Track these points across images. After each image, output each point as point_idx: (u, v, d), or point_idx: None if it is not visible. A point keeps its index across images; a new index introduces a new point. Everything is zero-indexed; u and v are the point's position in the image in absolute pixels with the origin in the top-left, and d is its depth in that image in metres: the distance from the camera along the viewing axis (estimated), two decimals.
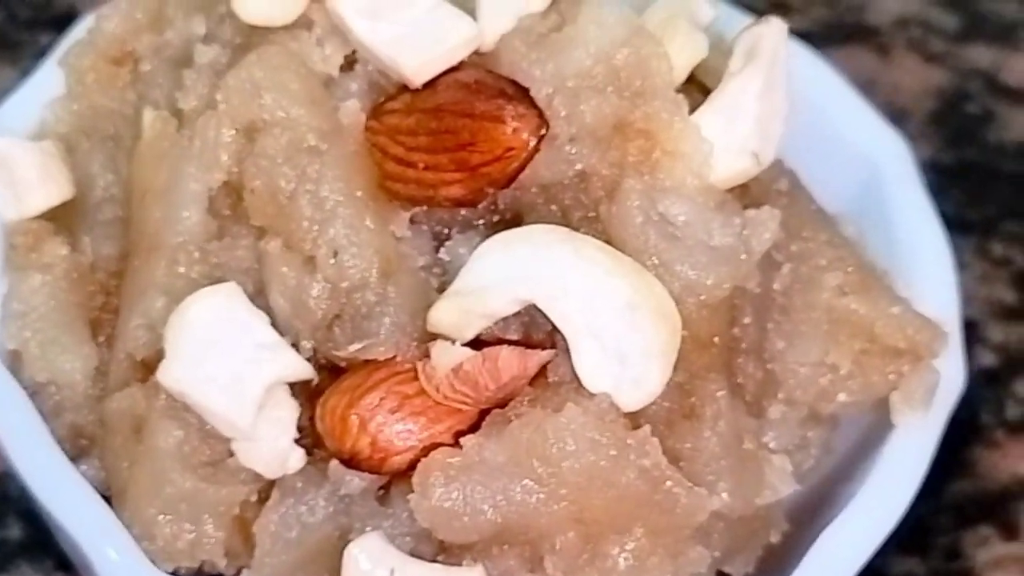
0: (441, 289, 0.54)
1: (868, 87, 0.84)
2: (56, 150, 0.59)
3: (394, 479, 0.53)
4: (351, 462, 0.52)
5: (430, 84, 0.55)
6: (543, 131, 0.53)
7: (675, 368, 0.52)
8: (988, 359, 0.74)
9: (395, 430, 0.52)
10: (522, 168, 0.53)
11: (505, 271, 0.52)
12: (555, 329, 0.52)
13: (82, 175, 0.59)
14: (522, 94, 0.54)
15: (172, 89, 0.58)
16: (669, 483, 0.50)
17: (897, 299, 0.58)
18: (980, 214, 0.80)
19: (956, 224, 0.77)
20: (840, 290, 0.57)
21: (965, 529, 0.68)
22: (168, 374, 0.52)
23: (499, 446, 0.50)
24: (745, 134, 0.55)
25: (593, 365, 0.51)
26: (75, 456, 0.55)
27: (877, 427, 0.58)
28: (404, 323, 0.53)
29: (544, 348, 0.52)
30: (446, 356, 0.51)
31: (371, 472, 0.52)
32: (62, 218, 0.59)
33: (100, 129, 0.60)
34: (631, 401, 0.51)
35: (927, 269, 0.61)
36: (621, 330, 0.51)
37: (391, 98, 0.55)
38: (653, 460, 0.50)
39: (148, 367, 0.54)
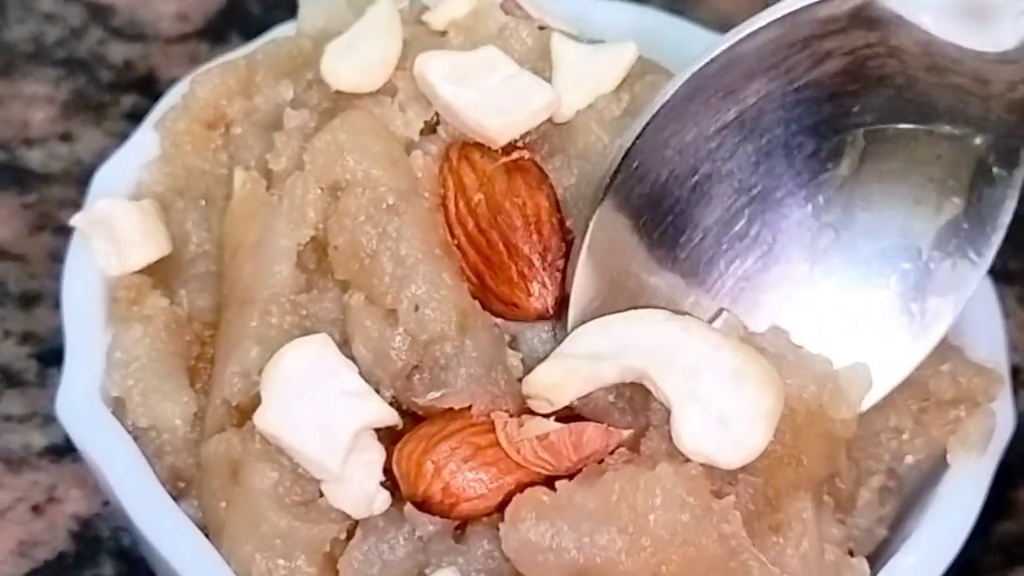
0: (512, 345, 0.57)
1: None
2: (154, 209, 0.63)
3: (469, 521, 0.55)
4: (423, 505, 0.55)
5: (512, 177, 0.58)
6: (550, 312, 0.57)
7: (765, 481, 0.55)
8: None
9: (467, 478, 0.54)
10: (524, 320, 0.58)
11: (617, 342, 0.55)
12: (643, 408, 0.55)
13: (177, 232, 0.63)
14: (560, 258, 0.57)
15: (262, 151, 0.61)
16: (746, 555, 0.53)
17: (945, 355, 0.61)
18: (1023, 263, 0.81)
19: (1000, 274, 0.79)
20: None
21: (1012, 569, 0.69)
22: (264, 419, 0.55)
23: (591, 492, 0.53)
24: None
25: (695, 429, 0.53)
26: (174, 496, 0.58)
27: (932, 469, 0.60)
28: (480, 375, 0.56)
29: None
30: (537, 426, 0.55)
31: (441, 516, 0.55)
32: (159, 272, 0.62)
33: (193, 189, 0.63)
34: (733, 459, 0.53)
35: (977, 320, 0.63)
36: (727, 397, 0.54)
37: (479, 149, 0.58)
38: (734, 529, 0.53)
39: (243, 412, 0.57)
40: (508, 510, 0.54)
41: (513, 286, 0.57)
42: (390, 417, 0.56)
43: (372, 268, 0.57)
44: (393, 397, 0.56)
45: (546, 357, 0.56)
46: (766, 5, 0.94)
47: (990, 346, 0.62)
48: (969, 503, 0.58)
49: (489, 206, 0.58)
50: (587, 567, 0.53)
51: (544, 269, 0.57)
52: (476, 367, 0.56)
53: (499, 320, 0.58)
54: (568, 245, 0.58)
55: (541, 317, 0.57)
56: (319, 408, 0.55)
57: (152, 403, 0.59)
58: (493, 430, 0.55)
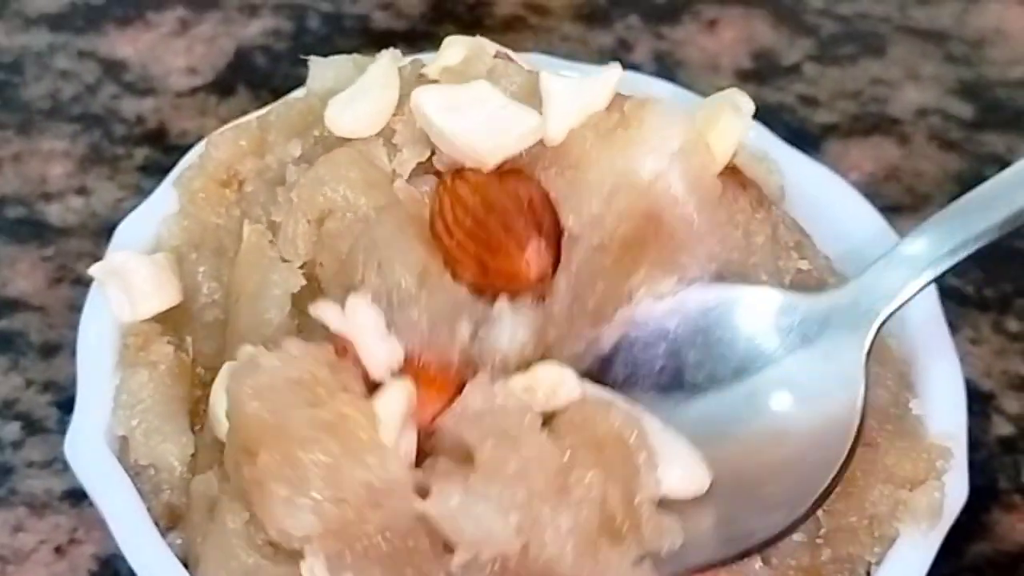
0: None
1: (892, 174, 0.89)
2: (167, 261, 0.66)
3: None
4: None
5: (505, 179, 0.61)
6: (549, 275, 0.60)
7: None
8: (1005, 429, 0.78)
9: None
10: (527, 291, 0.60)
11: None
12: None
13: (189, 282, 0.66)
14: (555, 232, 0.61)
15: (270, 205, 0.64)
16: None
17: (898, 433, 0.63)
18: (997, 291, 0.83)
19: (974, 302, 0.83)
20: None
21: None
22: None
23: None
24: None
25: None
26: (169, 529, 0.61)
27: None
28: (418, 323, 0.59)
29: None
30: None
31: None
32: (169, 320, 0.66)
33: (207, 242, 0.67)
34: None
35: (939, 388, 0.65)
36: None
37: (473, 170, 0.62)
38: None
39: None
40: None
41: (511, 258, 0.60)
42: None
43: (348, 262, 0.60)
44: None
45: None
46: (749, 45, 0.98)
47: (950, 417, 0.64)
48: (914, 573, 0.60)
49: (484, 204, 0.60)
50: None
51: (539, 238, 0.60)
52: (420, 314, 0.59)
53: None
54: (560, 231, 0.61)
55: (541, 280, 0.60)
56: None
57: (153, 443, 0.62)
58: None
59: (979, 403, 0.77)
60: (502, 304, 0.60)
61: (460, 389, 0.57)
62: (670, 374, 0.62)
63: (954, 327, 0.71)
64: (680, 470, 0.58)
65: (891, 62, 0.97)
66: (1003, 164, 0.90)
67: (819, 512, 0.60)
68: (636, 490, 0.56)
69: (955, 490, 0.62)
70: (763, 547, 0.57)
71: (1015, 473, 0.76)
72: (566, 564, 0.53)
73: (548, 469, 0.54)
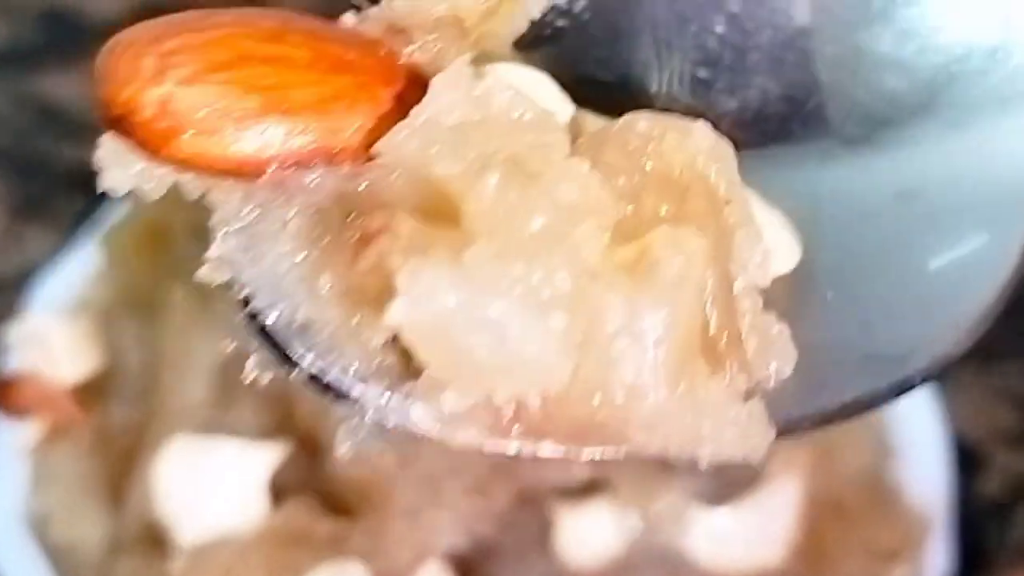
0: None
1: None
2: (89, 325, 0.63)
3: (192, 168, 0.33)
4: (121, 123, 0.32)
5: None
6: None
7: None
8: (992, 483, 0.75)
9: (207, 95, 0.31)
10: None
11: None
12: None
13: (115, 347, 0.63)
14: None
15: (200, 266, 0.61)
16: None
17: (880, 499, 0.61)
18: (981, 339, 0.82)
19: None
20: None
21: None
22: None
23: None
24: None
25: None
26: None
27: None
28: None
29: None
30: None
31: (142, 147, 0.33)
32: (92, 387, 0.62)
33: (134, 303, 0.64)
34: None
35: (920, 449, 0.63)
36: None
37: None
38: None
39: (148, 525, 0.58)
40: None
41: None
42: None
43: None
44: None
45: None
46: None
47: (931, 487, 0.62)
48: None
49: None
50: None
51: None
52: None
53: None
54: None
55: None
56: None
57: (73, 521, 0.60)
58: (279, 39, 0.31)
59: (964, 456, 0.73)
60: None
61: (419, 86, 0.32)
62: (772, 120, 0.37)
63: (937, 377, 0.68)
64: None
65: None
66: None
67: None
68: (735, 271, 0.32)
69: (936, 561, 0.60)
70: (929, 375, 0.38)
71: (1002, 530, 0.73)
72: (647, 404, 0.29)
73: (602, 221, 0.29)
